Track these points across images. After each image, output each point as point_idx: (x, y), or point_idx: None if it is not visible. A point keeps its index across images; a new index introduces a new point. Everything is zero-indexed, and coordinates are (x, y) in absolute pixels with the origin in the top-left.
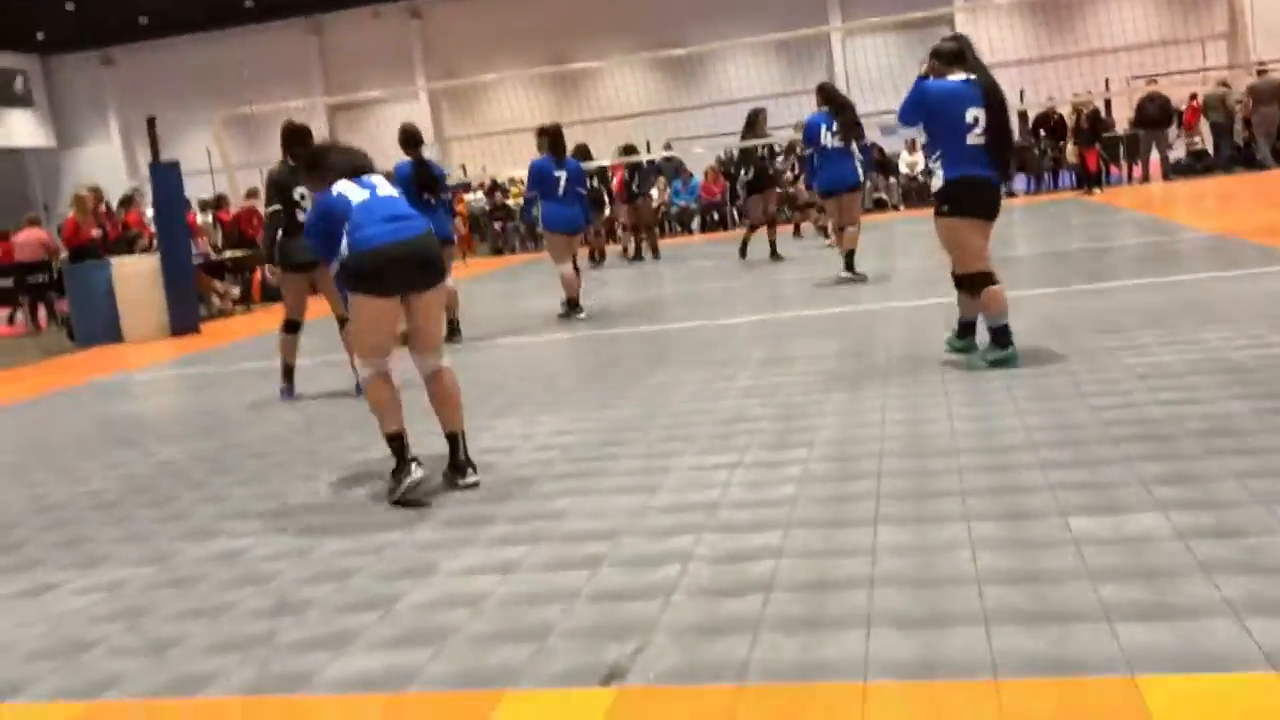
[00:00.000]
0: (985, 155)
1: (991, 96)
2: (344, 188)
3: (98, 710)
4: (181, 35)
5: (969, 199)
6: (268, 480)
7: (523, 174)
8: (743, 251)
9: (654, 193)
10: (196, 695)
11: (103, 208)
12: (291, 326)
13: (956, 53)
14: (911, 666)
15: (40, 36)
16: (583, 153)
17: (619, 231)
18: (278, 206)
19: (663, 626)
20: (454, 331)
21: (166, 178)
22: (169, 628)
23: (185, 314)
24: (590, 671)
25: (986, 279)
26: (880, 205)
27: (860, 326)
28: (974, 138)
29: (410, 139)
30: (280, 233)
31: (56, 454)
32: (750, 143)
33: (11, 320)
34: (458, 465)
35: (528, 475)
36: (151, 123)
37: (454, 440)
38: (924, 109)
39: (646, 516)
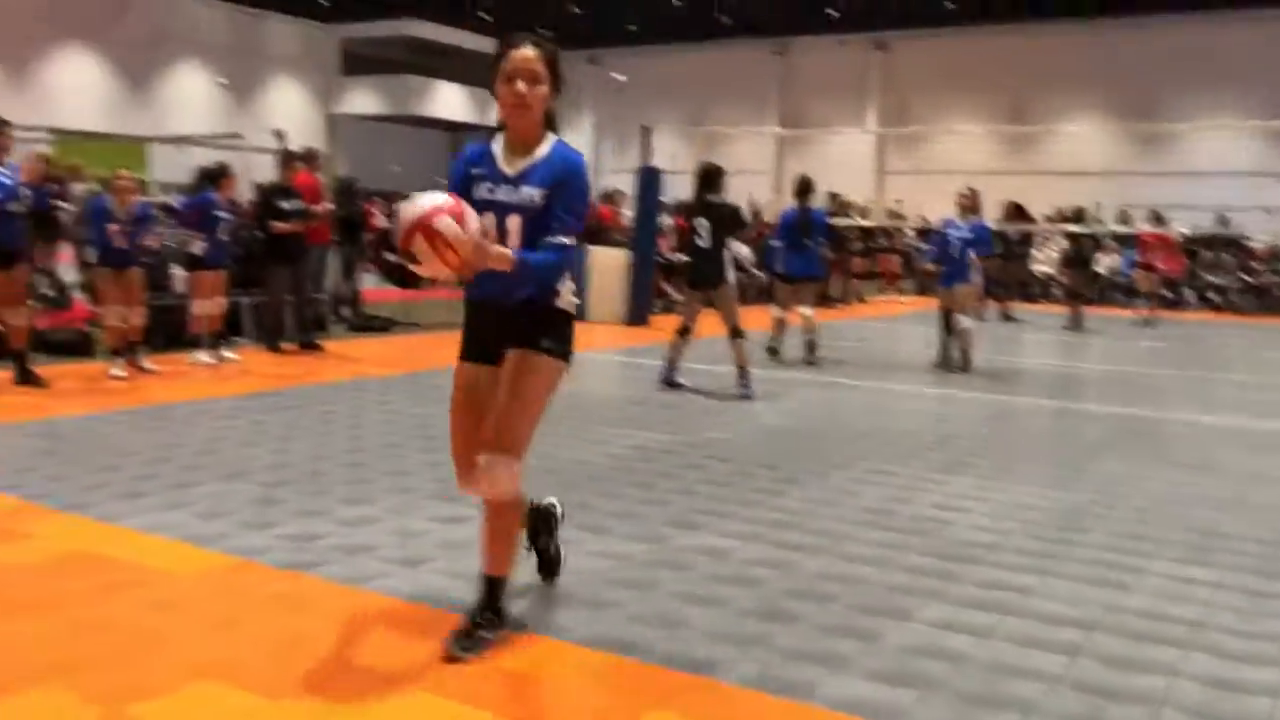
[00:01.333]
0: None
1: None
2: None
3: (624, 665)
4: (658, 45)
5: None
6: (730, 484)
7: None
8: None
9: (1102, 259)
10: (700, 674)
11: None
12: (683, 331)
13: None
14: None
15: (543, 32)
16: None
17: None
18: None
19: None
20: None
21: (650, 181)
22: (672, 605)
23: (641, 307)
24: None
25: None
26: None
27: None
28: None
29: (803, 189)
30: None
31: (548, 418)
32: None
33: None
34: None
35: (986, 541)
36: (645, 132)
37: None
38: None
39: (1122, 616)
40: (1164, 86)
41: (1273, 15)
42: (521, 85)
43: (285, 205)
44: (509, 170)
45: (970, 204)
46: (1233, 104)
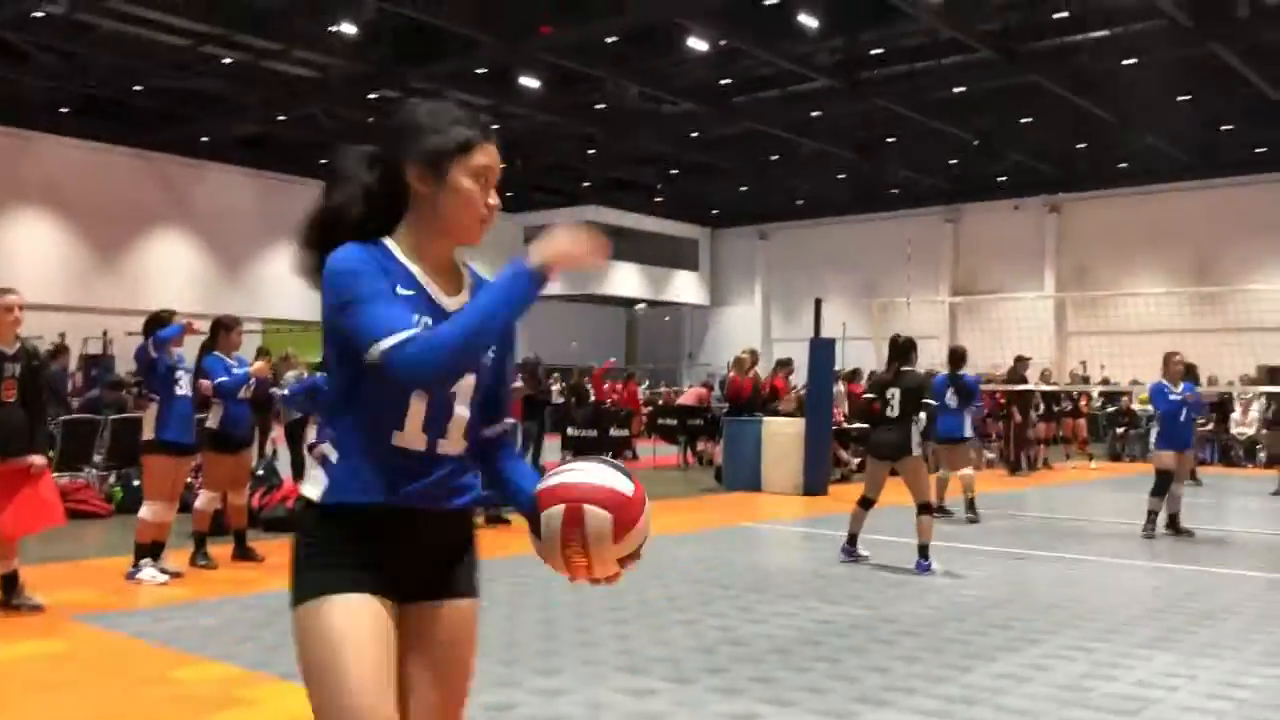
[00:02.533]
0: None
1: None
2: None
3: None
4: (828, 217)
5: None
6: (918, 659)
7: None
8: None
9: None
10: None
11: (756, 369)
12: (865, 503)
13: None
14: None
15: (714, 212)
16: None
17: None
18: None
19: None
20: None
21: (824, 351)
22: None
23: (818, 476)
24: None
25: None
26: None
27: None
28: None
29: (956, 359)
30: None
31: (731, 591)
32: None
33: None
34: None
35: None
36: (818, 304)
37: None
38: None
39: None
40: None
41: None
42: (494, 193)
43: None
44: (448, 303)
45: (1181, 367)
46: None
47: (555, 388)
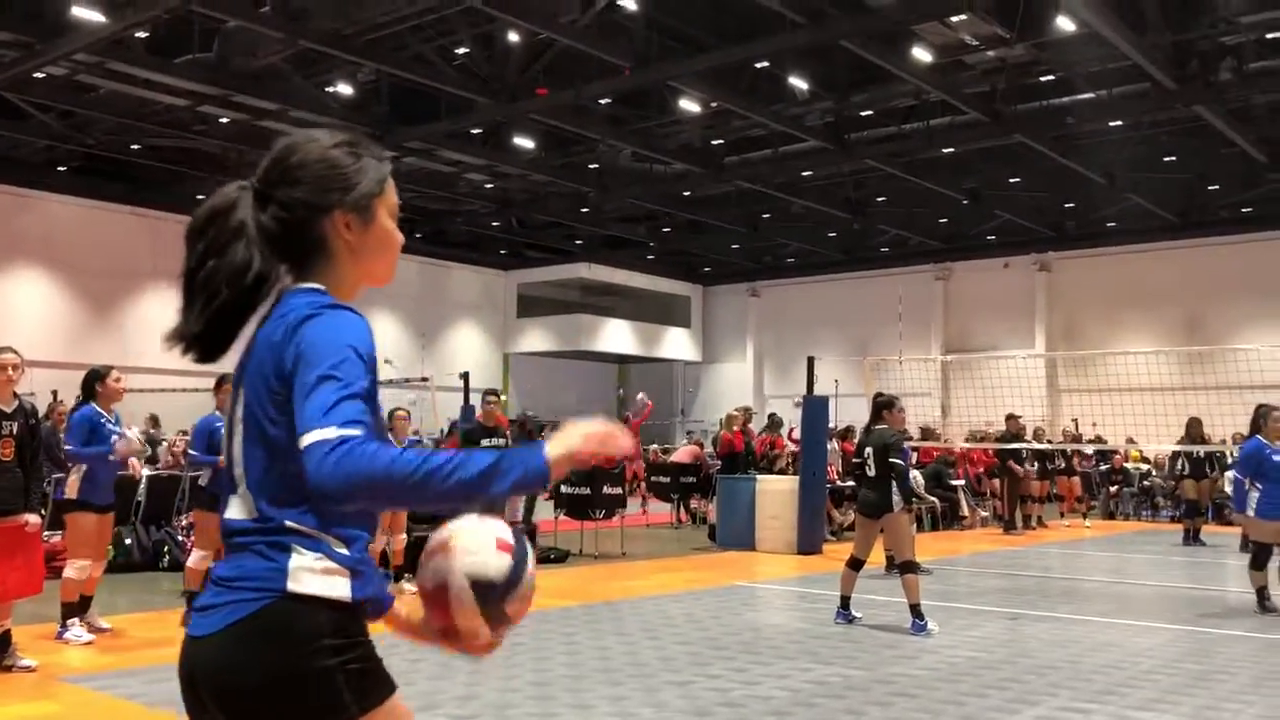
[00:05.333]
0: None
1: None
2: None
3: None
4: (819, 274)
5: None
6: None
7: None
8: None
9: None
10: None
11: (750, 426)
12: (855, 563)
13: None
14: None
15: (706, 269)
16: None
17: None
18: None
19: None
20: None
21: (817, 409)
22: None
23: (812, 534)
24: None
25: None
26: None
27: None
28: None
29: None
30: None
31: (726, 651)
32: None
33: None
34: None
35: None
36: (811, 362)
37: None
38: None
39: None
40: None
41: None
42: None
43: (486, 443)
44: None
45: None
46: None
47: None
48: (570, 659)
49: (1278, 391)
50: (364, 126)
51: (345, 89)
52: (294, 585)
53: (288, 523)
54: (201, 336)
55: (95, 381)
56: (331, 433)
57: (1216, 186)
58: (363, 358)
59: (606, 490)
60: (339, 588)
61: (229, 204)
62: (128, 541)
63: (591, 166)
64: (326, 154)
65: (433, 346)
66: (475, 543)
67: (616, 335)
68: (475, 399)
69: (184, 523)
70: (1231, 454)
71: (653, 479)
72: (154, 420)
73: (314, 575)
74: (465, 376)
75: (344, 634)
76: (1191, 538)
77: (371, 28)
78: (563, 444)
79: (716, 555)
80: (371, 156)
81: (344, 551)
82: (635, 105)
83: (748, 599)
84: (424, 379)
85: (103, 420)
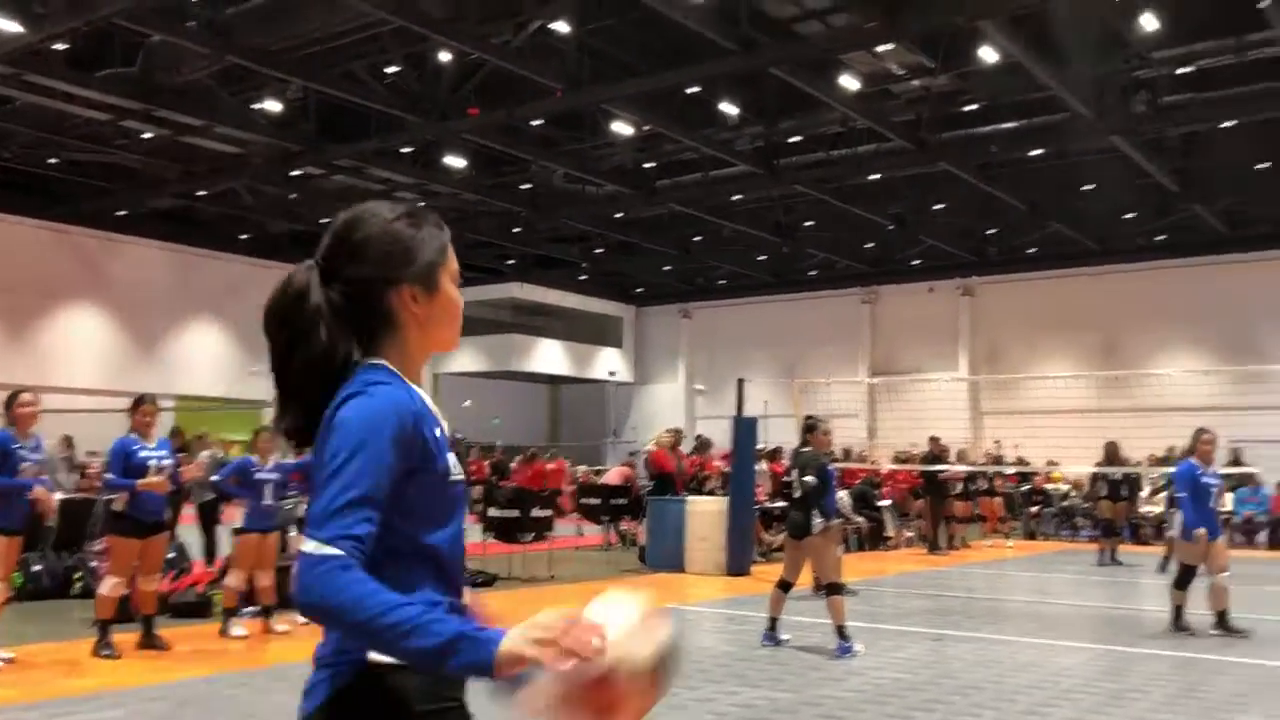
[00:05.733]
0: None
1: None
2: None
3: None
4: (749, 296)
5: None
6: None
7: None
8: None
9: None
10: None
11: (681, 448)
12: (784, 585)
13: None
14: None
15: (638, 290)
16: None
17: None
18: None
19: None
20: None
21: (747, 431)
22: None
23: (741, 556)
24: None
25: None
26: None
27: None
28: None
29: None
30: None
31: None
32: None
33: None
34: None
35: None
36: (740, 384)
37: None
38: None
39: None
40: (1264, 321)
41: None
42: None
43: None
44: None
45: (1211, 447)
46: None
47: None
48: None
49: (1192, 414)
50: (292, 144)
51: (273, 105)
52: (374, 654)
53: None
54: (303, 430)
55: (6, 406)
56: (314, 547)
57: (1133, 215)
58: (384, 443)
59: (536, 513)
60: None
61: (304, 287)
62: (37, 568)
63: (524, 187)
64: (389, 229)
65: None
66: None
67: (548, 355)
68: None
69: (97, 548)
70: (1148, 476)
71: (583, 501)
72: (68, 441)
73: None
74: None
75: (433, 698)
76: (1109, 558)
77: (301, 44)
78: (519, 644)
79: (645, 577)
80: (431, 225)
81: None
82: (568, 127)
83: (676, 622)
84: None
85: (16, 446)
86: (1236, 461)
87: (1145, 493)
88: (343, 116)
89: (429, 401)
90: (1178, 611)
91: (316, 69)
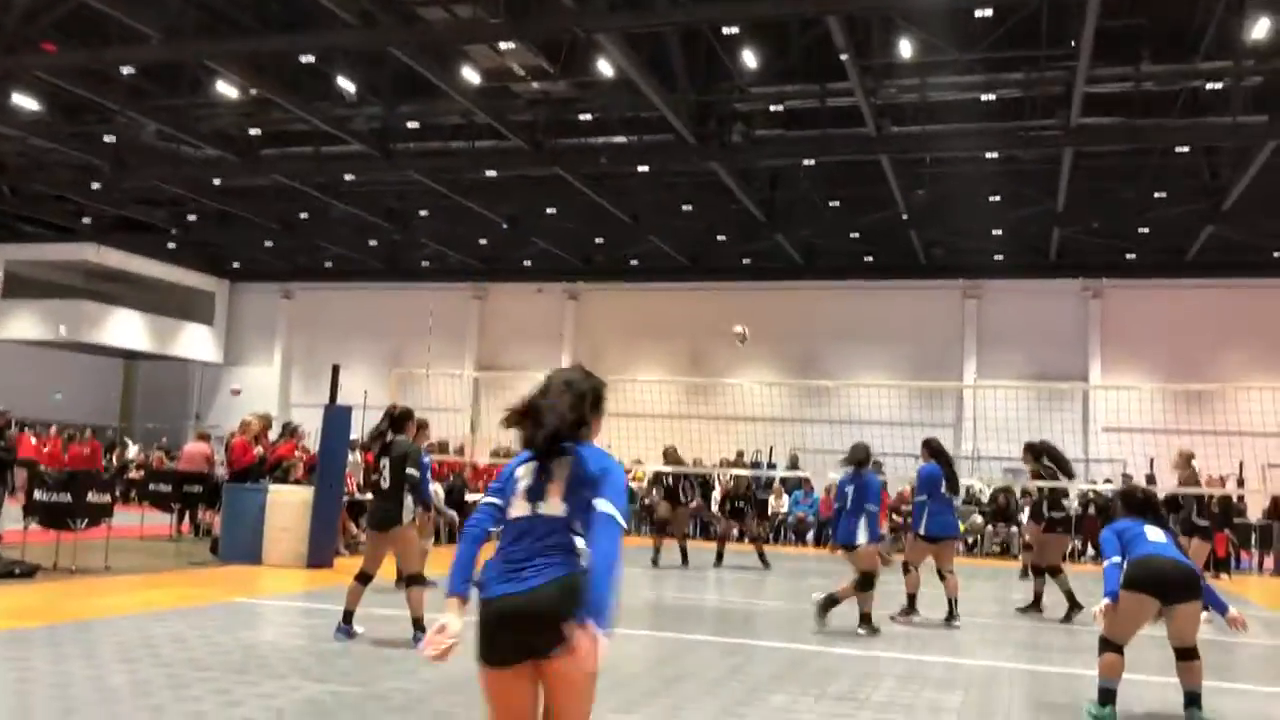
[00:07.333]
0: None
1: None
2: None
3: None
4: (357, 281)
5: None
6: None
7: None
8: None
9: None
10: None
11: (268, 435)
12: (364, 578)
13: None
14: None
15: (234, 265)
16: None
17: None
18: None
19: None
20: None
21: (339, 420)
22: None
23: (324, 548)
24: None
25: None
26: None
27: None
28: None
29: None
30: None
31: (210, 672)
32: None
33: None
34: None
35: None
36: (335, 370)
37: None
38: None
39: None
40: (828, 343)
41: (913, 286)
42: None
43: None
44: None
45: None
46: (885, 363)
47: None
48: (20, 688)
49: (762, 423)
50: None
51: None
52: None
53: None
54: (549, 451)
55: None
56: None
57: (724, 237)
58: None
59: (91, 498)
60: None
61: (593, 387)
62: None
63: (108, 139)
64: (600, 391)
65: None
66: None
67: (126, 327)
68: None
69: None
70: (715, 478)
71: (151, 487)
72: None
73: None
74: None
75: None
76: (660, 555)
77: None
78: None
79: (216, 570)
80: (599, 378)
81: None
82: (164, 80)
83: (245, 616)
84: None
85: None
86: (794, 465)
87: (717, 492)
88: None
89: None
90: (824, 603)
91: None
